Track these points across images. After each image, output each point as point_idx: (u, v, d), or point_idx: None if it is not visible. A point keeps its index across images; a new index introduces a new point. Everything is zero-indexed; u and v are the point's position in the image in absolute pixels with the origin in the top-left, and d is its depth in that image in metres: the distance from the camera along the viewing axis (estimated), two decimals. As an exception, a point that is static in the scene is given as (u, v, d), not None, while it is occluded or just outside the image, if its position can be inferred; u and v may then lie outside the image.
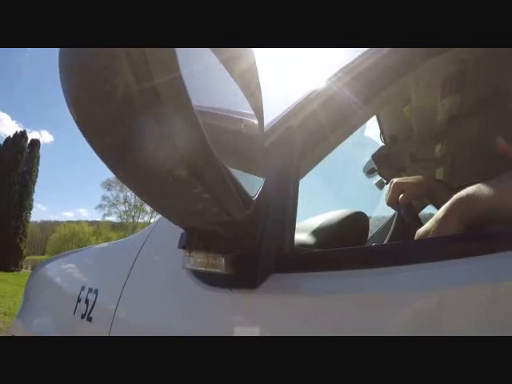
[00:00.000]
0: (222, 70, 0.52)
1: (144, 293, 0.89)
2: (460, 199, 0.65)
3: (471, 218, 0.62)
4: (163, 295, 0.83)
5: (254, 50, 0.61)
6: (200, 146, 0.32)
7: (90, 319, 1.03)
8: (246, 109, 0.63)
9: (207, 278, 0.69)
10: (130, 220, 55.25)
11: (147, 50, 0.27)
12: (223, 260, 0.57)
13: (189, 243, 0.55)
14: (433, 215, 0.70)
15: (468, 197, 0.64)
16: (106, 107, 0.29)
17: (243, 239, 0.59)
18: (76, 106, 0.29)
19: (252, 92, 0.65)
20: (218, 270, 0.57)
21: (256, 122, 0.66)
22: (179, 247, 0.57)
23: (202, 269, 0.57)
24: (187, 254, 0.57)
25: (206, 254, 0.57)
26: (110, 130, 0.30)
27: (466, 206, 0.63)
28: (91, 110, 0.29)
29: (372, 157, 1.68)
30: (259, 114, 0.69)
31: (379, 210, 2.34)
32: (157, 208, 0.44)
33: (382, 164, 1.65)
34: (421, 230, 0.70)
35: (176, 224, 0.51)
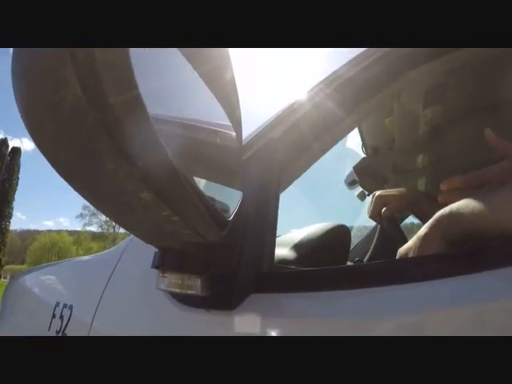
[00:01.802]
0: (198, 80, 0.50)
1: (119, 311, 0.87)
2: (442, 216, 0.64)
3: (454, 236, 0.61)
4: (138, 314, 0.80)
5: (233, 59, 0.59)
6: (163, 167, 0.30)
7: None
8: (224, 120, 0.61)
9: (183, 298, 0.66)
10: (111, 230, 54.85)
11: (98, 61, 0.24)
12: (199, 281, 0.54)
13: (162, 263, 0.52)
14: (414, 225, 0.70)
15: (451, 214, 0.63)
16: (56, 120, 0.26)
17: (220, 259, 0.57)
18: (26, 115, 0.27)
19: (230, 103, 0.63)
20: (193, 292, 0.54)
21: (233, 133, 0.64)
22: (152, 267, 0.54)
23: (177, 290, 0.54)
24: (161, 274, 0.54)
25: (181, 275, 0.54)
26: (63, 144, 0.27)
27: (448, 223, 0.63)
28: (41, 121, 0.26)
29: (353, 168, 1.68)
30: (237, 125, 0.66)
31: (360, 221, 2.34)
32: (125, 227, 0.41)
33: (364, 175, 1.65)
34: (403, 249, 0.70)
35: (148, 243, 0.48)
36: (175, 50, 0.41)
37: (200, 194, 0.37)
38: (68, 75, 0.24)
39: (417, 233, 0.68)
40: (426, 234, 0.65)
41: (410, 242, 0.68)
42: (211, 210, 0.41)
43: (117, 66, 0.25)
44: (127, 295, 0.87)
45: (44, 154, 0.28)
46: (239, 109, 0.68)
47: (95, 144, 0.26)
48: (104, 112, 0.25)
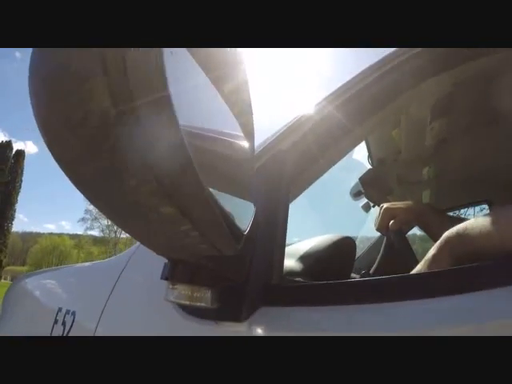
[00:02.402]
0: (211, 89, 0.49)
1: (123, 319, 0.86)
2: (450, 237, 0.65)
3: (462, 256, 0.61)
4: (144, 324, 0.79)
5: (247, 68, 0.59)
6: (190, 184, 0.29)
7: (66, 343, 0.98)
8: (236, 130, 0.60)
9: (191, 309, 0.66)
10: (113, 235, 54.71)
11: (129, 63, 0.23)
12: (209, 293, 0.53)
13: (172, 275, 0.52)
14: (417, 236, 0.72)
15: (458, 235, 0.63)
16: (79, 135, 0.24)
17: (230, 271, 0.56)
18: (44, 127, 0.25)
19: (243, 113, 0.63)
20: (203, 304, 0.54)
21: (245, 144, 0.64)
22: (162, 278, 0.54)
23: (187, 303, 0.54)
24: (170, 285, 0.54)
25: (191, 287, 0.53)
26: (84, 159, 0.26)
27: (456, 244, 0.63)
28: (62, 137, 0.25)
29: (359, 179, 1.68)
30: (250, 136, 0.66)
31: (364, 232, 2.34)
32: (139, 240, 0.40)
33: (369, 187, 1.64)
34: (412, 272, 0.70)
35: (159, 255, 0.48)
36: (189, 55, 0.40)
37: (221, 208, 0.37)
38: (99, 85, 0.22)
39: (425, 256, 0.69)
40: (434, 256, 0.66)
41: (419, 266, 0.69)
42: (230, 225, 0.40)
43: (148, 72, 0.24)
44: (132, 304, 0.86)
45: (64, 170, 0.27)
46: (252, 119, 0.68)
47: (120, 161, 0.25)
48: (132, 126, 0.24)
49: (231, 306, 0.59)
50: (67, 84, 0.23)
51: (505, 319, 0.45)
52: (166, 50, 0.26)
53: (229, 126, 0.57)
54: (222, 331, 0.61)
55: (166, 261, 0.53)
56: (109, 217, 0.34)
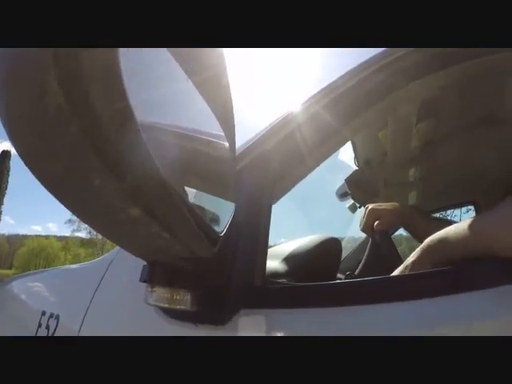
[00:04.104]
0: (192, 89, 0.48)
1: (106, 322, 0.85)
2: (429, 245, 0.65)
3: (441, 262, 0.61)
4: (126, 326, 0.78)
5: (229, 69, 0.58)
6: (153, 183, 0.28)
7: (49, 347, 0.97)
8: (218, 130, 0.60)
9: (172, 311, 0.65)
10: (100, 236, 54.49)
11: (84, 64, 0.22)
12: (188, 296, 0.53)
13: (151, 278, 0.51)
14: (405, 238, 0.72)
15: (439, 241, 0.64)
16: (38, 131, 0.24)
17: (210, 273, 0.56)
18: (6, 123, 0.25)
19: (224, 113, 0.62)
20: (182, 307, 0.53)
21: (226, 144, 0.63)
22: (141, 281, 0.53)
23: (166, 305, 0.53)
24: (149, 288, 0.53)
25: (171, 290, 0.52)
26: (46, 157, 0.25)
27: (436, 251, 0.64)
28: (22, 132, 0.25)
29: (345, 180, 1.68)
30: (231, 136, 0.65)
31: (350, 233, 2.35)
32: (113, 241, 0.40)
33: (356, 188, 1.65)
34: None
35: (137, 257, 0.47)
36: (170, 56, 0.39)
37: (191, 209, 0.36)
38: (50, 81, 0.22)
39: (404, 261, 0.69)
40: (413, 262, 0.66)
41: (398, 271, 0.69)
42: (203, 226, 0.39)
43: (105, 71, 0.24)
44: (114, 306, 0.85)
45: (27, 166, 0.26)
46: (233, 119, 0.67)
47: (80, 157, 0.25)
48: (90, 123, 0.23)
49: (212, 309, 0.58)
50: (23, 82, 0.23)
51: (489, 320, 0.46)
52: (125, 53, 0.25)
53: (209, 126, 0.56)
54: (203, 334, 0.60)
55: (144, 264, 0.52)
56: (82, 219, 0.33)
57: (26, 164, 0.26)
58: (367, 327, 0.51)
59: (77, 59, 0.22)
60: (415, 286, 0.53)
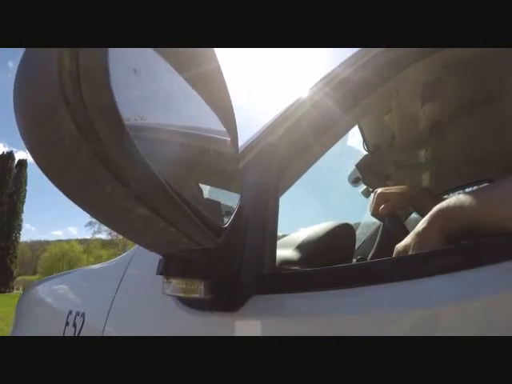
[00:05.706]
0: (188, 87, 0.51)
1: (129, 316, 0.88)
2: (441, 210, 0.63)
3: (453, 230, 0.60)
4: (148, 318, 0.82)
5: (222, 63, 0.60)
6: (153, 186, 0.33)
7: (78, 343, 1.01)
8: (218, 126, 0.62)
9: (189, 301, 0.69)
10: (120, 237, 54.71)
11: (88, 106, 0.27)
12: (202, 285, 0.56)
13: (166, 270, 0.55)
14: (418, 221, 0.68)
15: (449, 208, 0.62)
16: (58, 153, 0.29)
17: (221, 263, 0.59)
18: (31, 149, 0.30)
19: (224, 108, 0.64)
20: (196, 295, 0.56)
21: (228, 139, 0.65)
22: (157, 273, 0.57)
23: (182, 295, 0.57)
24: (166, 280, 0.57)
25: (185, 280, 0.56)
26: (66, 173, 0.30)
27: (447, 218, 0.62)
28: (43, 155, 0.30)
29: (356, 166, 1.68)
30: (232, 130, 0.68)
31: (367, 218, 2.34)
32: (129, 238, 0.43)
33: (367, 172, 1.64)
34: (400, 245, 0.69)
35: (152, 251, 0.50)
36: (164, 55, 0.42)
37: (192, 206, 0.39)
38: (64, 116, 0.27)
39: (414, 228, 0.67)
40: (424, 229, 0.64)
41: (408, 239, 0.67)
42: (205, 220, 0.43)
43: (104, 109, 0.28)
44: (137, 300, 0.89)
45: (51, 181, 0.31)
46: (233, 114, 0.69)
47: (92, 171, 0.30)
48: (97, 146, 0.28)
49: (224, 296, 0.61)
50: (40, 114, 0.28)
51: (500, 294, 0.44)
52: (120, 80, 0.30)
53: (210, 123, 0.59)
54: (218, 320, 0.64)
55: (161, 258, 0.56)
56: (99, 220, 0.38)
57: (48, 178, 0.31)
58: (373, 307, 0.52)
59: (82, 98, 0.27)
60: (421, 265, 0.52)
